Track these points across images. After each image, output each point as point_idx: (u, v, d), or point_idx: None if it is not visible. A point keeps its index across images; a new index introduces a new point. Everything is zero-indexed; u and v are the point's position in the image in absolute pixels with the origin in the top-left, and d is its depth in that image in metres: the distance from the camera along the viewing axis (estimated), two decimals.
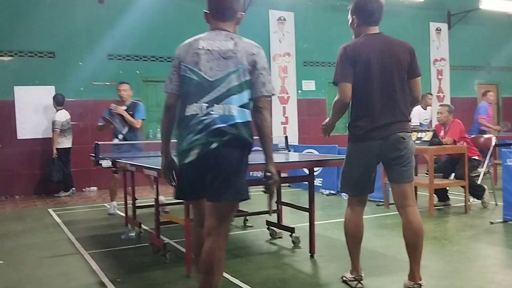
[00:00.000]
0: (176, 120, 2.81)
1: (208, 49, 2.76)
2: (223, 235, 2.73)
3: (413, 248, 3.28)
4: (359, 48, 3.28)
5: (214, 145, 2.65)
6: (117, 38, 9.75)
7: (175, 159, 2.91)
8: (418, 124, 9.15)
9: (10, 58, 9.09)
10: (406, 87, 3.34)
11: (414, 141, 6.31)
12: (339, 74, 3.28)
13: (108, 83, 9.73)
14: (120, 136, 6.64)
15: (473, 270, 3.94)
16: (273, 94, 2.82)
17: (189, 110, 2.71)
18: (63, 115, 8.86)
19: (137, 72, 10.02)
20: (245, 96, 2.72)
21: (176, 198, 2.96)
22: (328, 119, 3.59)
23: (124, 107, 6.68)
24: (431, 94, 10.02)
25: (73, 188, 9.13)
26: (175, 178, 2.93)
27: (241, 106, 2.70)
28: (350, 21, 3.45)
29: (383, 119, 3.25)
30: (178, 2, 10.40)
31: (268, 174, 2.74)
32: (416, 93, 3.41)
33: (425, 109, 9.45)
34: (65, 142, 8.90)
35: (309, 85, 11.73)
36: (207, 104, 2.67)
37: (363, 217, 3.52)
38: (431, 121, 9.70)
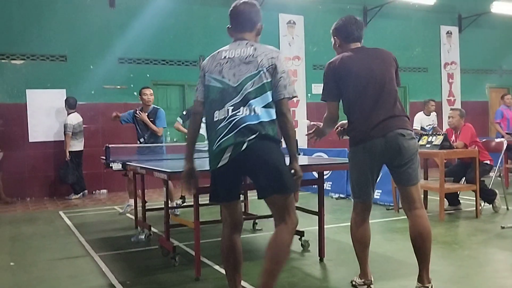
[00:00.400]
0: (206, 127, 2.98)
1: (229, 57, 2.93)
2: (290, 223, 2.85)
3: (421, 251, 3.25)
4: (342, 60, 3.33)
5: (244, 146, 2.79)
6: (128, 42, 9.83)
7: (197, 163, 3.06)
8: (419, 128, 9.27)
9: (22, 61, 9.19)
10: (395, 88, 3.35)
11: (425, 145, 6.34)
12: (326, 94, 3.40)
13: (118, 87, 9.80)
14: (142, 140, 6.78)
15: (484, 275, 3.90)
16: (295, 96, 2.95)
17: (217, 115, 2.87)
18: (74, 118, 8.94)
19: (148, 75, 10.08)
20: (268, 97, 2.86)
21: (211, 201, 3.04)
22: (319, 124, 3.62)
23: (145, 113, 6.80)
24: (434, 101, 9.85)
25: (85, 191, 9.20)
26: (194, 186, 3.09)
27: (265, 107, 2.84)
28: (333, 43, 3.56)
29: (378, 116, 3.23)
30: (188, 6, 10.46)
31: (293, 170, 2.96)
32: None
33: (428, 115, 9.51)
34: (77, 145, 8.98)
35: (318, 88, 11.69)
36: (232, 107, 2.84)
37: (372, 221, 3.51)
38: (434, 127, 9.66)
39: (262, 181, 2.83)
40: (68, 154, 8.84)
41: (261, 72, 2.84)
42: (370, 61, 3.32)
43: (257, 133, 2.79)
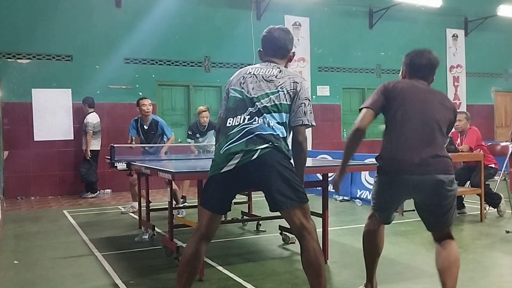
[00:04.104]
0: (219, 133, 3.00)
1: (254, 74, 2.98)
2: (315, 231, 2.84)
3: (446, 279, 2.95)
4: (401, 83, 3.11)
5: (255, 156, 2.76)
6: (134, 42, 9.84)
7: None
8: None
9: (28, 60, 9.22)
10: (445, 133, 3.05)
11: None
12: (368, 102, 3.07)
13: (124, 87, 9.82)
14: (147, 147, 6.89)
15: (489, 279, 3.89)
16: (313, 125, 2.95)
17: (230, 121, 2.89)
18: (94, 117, 9.02)
19: (153, 76, 10.11)
20: (282, 117, 2.87)
21: (201, 206, 2.97)
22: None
23: (146, 126, 6.88)
24: None
25: (103, 190, 9.29)
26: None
27: (278, 124, 2.86)
28: (400, 72, 3.30)
29: (422, 151, 2.91)
30: (194, 7, 10.47)
31: None
32: None
33: None
34: (95, 144, 9.03)
35: (323, 90, 11.72)
36: (249, 116, 2.85)
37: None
38: None
39: (277, 195, 2.77)
40: (89, 152, 8.88)
41: (280, 92, 2.87)
42: (432, 97, 3.05)
43: (270, 143, 2.78)
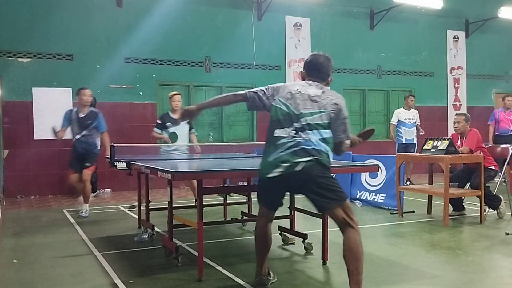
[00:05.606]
0: (266, 140, 3.41)
1: (300, 92, 3.38)
2: (355, 225, 3.23)
3: None
4: None
5: (299, 167, 3.17)
6: (134, 42, 9.85)
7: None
8: (395, 122, 10.15)
9: (29, 59, 9.22)
10: None
11: (430, 149, 6.32)
12: None
13: (124, 86, 9.82)
14: (78, 136, 6.96)
15: (488, 281, 3.88)
16: (348, 137, 3.41)
17: (278, 132, 3.32)
18: None
19: (153, 75, 10.11)
20: (322, 134, 3.28)
21: (259, 203, 3.60)
22: None
23: (83, 114, 6.95)
24: (413, 96, 10.50)
25: (101, 190, 9.33)
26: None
27: (321, 140, 3.26)
28: None
29: None
30: (195, 6, 10.47)
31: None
32: None
33: (408, 109, 10.19)
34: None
35: None
36: (295, 131, 3.27)
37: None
38: (417, 124, 10.34)
39: (320, 199, 3.24)
40: None
41: (323, 113, 3.28)
42: None
43: (312, 157, 3.19)
